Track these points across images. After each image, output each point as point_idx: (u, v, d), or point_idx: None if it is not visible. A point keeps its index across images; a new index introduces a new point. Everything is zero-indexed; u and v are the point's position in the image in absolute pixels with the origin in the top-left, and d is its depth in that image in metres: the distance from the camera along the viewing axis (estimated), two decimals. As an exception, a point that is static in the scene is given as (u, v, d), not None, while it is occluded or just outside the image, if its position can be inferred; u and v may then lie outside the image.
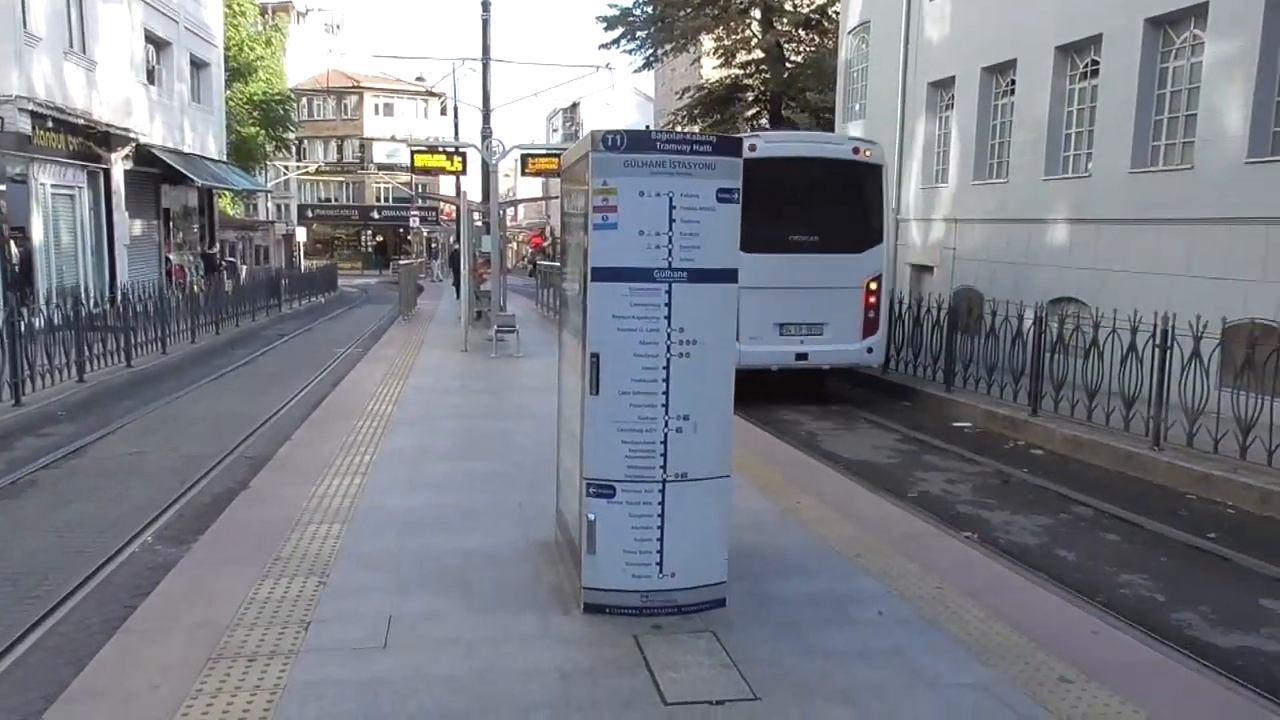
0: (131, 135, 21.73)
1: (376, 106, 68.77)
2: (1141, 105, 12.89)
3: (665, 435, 4.33)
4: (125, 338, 14.12)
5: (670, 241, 4.27)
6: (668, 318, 4.28)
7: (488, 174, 20.42)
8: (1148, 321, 9.10)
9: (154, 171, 24.04)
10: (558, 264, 5.31)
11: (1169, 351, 8.85)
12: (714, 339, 4.38)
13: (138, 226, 23.80)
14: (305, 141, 66.82)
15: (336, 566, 5.08)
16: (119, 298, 15.05)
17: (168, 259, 26.10)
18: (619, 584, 4.39)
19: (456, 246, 25.31)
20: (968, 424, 11.39)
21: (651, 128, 28.85)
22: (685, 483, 4.37)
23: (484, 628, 4.31)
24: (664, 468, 4.34)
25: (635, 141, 4.26)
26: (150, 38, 24.11)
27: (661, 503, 4.36)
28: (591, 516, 4.35)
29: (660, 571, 4.39)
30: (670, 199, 4.25)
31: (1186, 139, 12.24)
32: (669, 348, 4.30)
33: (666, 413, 4.32)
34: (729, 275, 4.41)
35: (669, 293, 4.27)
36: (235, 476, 8.02)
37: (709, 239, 4.32)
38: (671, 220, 4.26)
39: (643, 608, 4.40)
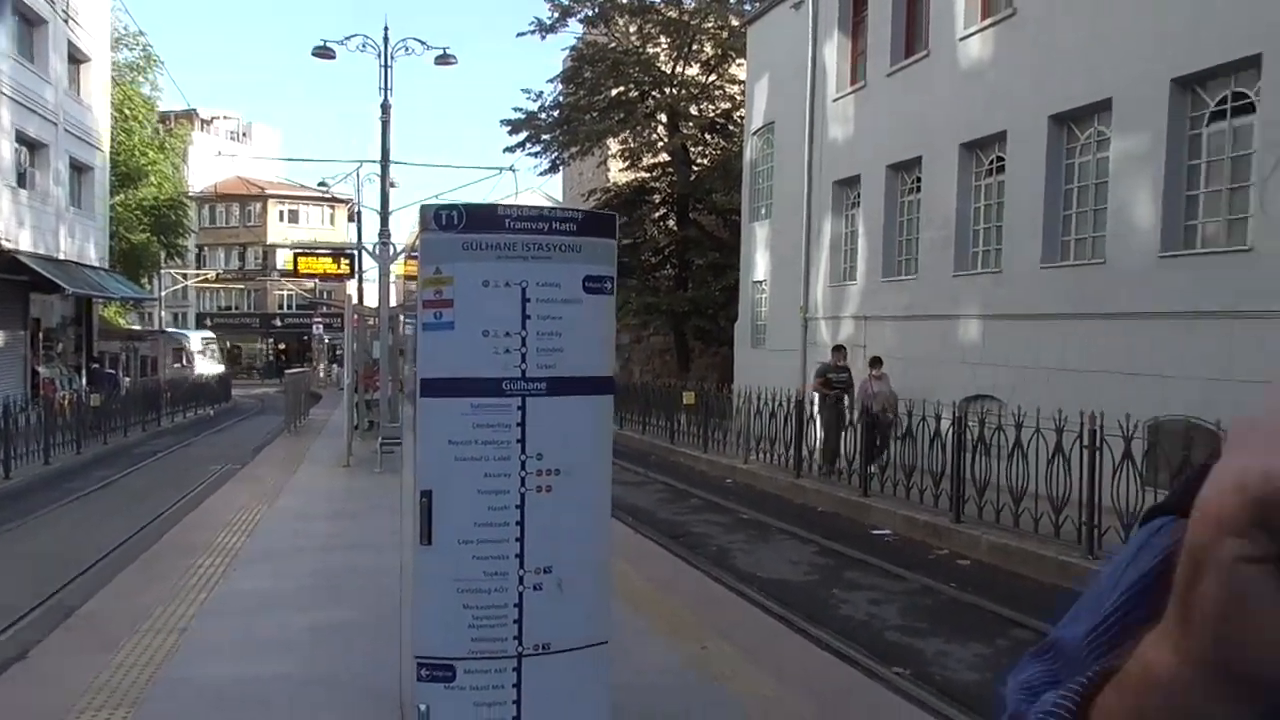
0: (-8, 241, 20.24)
1: (281, 213, 67.22)
2: (1049, 200, 12.70)
3: (520, 595, 3.32)
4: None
5: (524, 344, 3.35)
6: (521, 441, 3.33)
7: (384, 277, 19.62)
8: (1074, 421, 8.51)
9: (22, 280, 22.30)
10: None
11: (1099, 452, 8.24)
12: (583, 467, 3.44)
13: (0, 337, 21.96)
14: (206, 249, 64.94)
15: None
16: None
17: (35, 371, 24.15)
18: (462, 799, 3.30)
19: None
20: (887, 531, 10.59)
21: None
22: (548, 656, 3.35)
23: None
24: (519, 638, 3.32)
25: (477, 218, 3.37)
26: (23, 139, 22.69)
27: (517, 684, 3.32)
28: (423, 707, 3.28)
29: (517, 780, 3.32)
30: (524, 290, 3.36)
31: (1097, 233, 12.02)
32: (523, 480, 3.34)
33: (521, 566, 3.33)
34: (602, 385, 3.51)
35: (522, 409, 3.34)
36: (37, 636, 6.61)
37: (575, 339, 3.42)
38: (525, 317, 3.36)
39: (495, 830, 3.31)
